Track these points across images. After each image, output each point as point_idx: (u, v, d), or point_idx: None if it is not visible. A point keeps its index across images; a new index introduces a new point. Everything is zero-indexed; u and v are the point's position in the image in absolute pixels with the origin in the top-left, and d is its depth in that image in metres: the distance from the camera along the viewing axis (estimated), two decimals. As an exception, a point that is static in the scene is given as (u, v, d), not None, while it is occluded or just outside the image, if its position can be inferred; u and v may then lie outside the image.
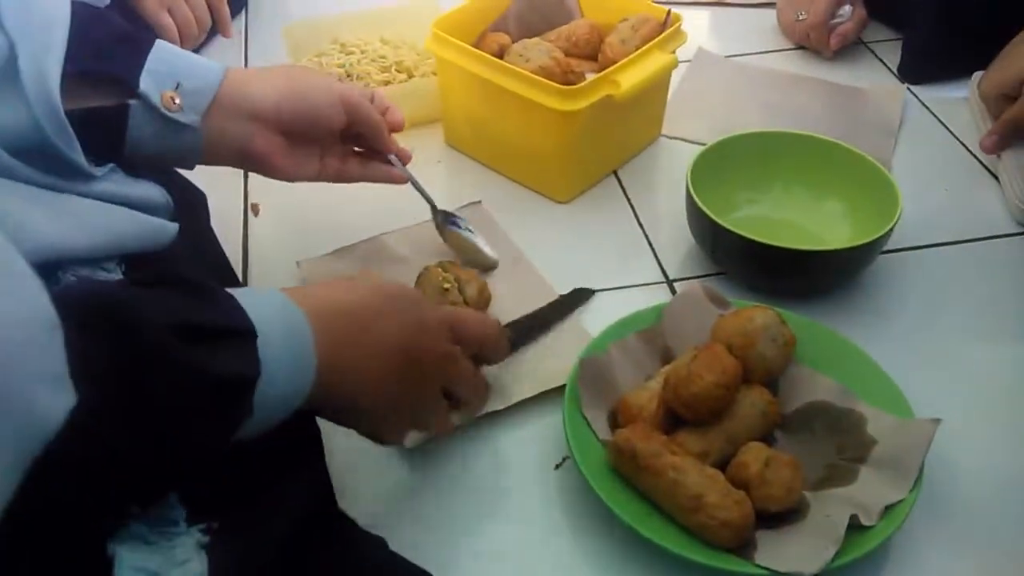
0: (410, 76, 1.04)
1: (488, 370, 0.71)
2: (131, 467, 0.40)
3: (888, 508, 0.60)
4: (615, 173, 0.98)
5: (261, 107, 0.68)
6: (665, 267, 0.87)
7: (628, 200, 0.95)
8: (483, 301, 0.78)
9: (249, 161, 0.71)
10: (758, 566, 0.57)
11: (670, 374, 0.66)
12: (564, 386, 0.69)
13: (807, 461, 0.65)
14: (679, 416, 0.66)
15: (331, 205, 0.90)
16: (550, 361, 0.75)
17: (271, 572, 0.47)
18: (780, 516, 0.61)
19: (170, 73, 0.64)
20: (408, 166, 0.80)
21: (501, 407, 0.71)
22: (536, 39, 0.96)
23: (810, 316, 0.75)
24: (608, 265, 0.86)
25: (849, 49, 1.18)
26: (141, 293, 0.42)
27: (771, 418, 0.67)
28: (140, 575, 0.42)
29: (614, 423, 0.68)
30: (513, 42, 0.96)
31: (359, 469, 0.67)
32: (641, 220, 0.92)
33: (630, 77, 0.88)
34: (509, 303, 0.80)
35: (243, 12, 1.25)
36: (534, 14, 1.05)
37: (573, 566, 0.62)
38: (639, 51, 0.91)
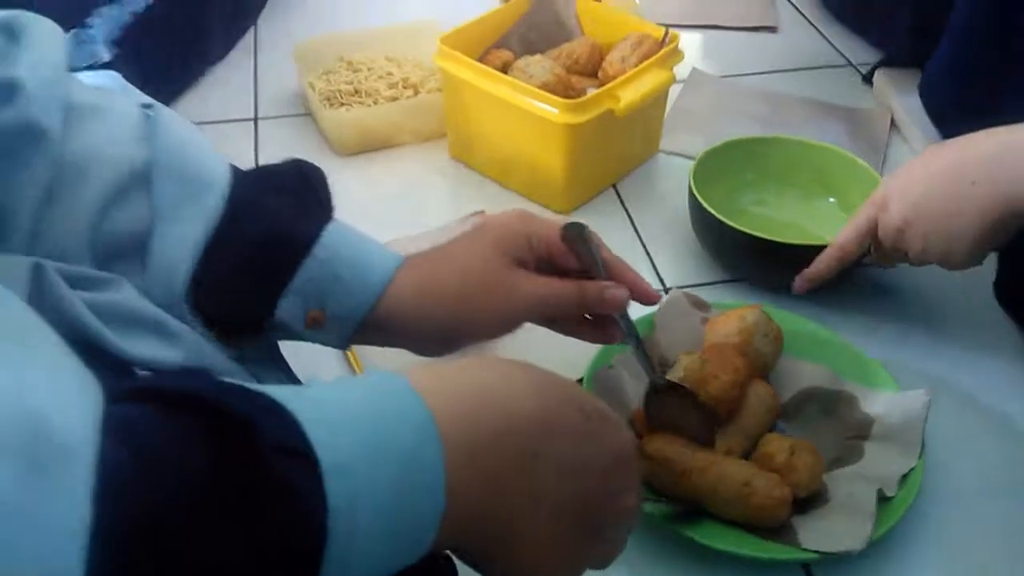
0: (416, 92, 1.08)
1: None
2: None
3: (903, 478, 0.65)
4: (614, 186, 1.02)
5: (410, 338, 0.59)
6: (663, 276, 0.90)
7: (626, 211, 0.99)
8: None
9: None
10: (807, 550, 0.61)
11: (683, 380, 0.69)
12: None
13: (815, 445, 0.68)
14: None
15: (345, 209, 0.91)
16: (554, 365, 0.76)
17: None
18: (806, 501, 0.65)
19: (318, 293, 0.55)
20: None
21: None
22: (539, 56, 1.00)
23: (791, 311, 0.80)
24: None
25: (840, 72, 1.23)
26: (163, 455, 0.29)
27: (774, 410, 0.71)
28: None
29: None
30: (516, 59, 1.00)
31: None
32: (639, 231, 0.96)
33: (630, 93, 0.92)
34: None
35: (253, 30, 1.28)
36: (536, 32, 1.08)
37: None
38: (638, 68, 0.95)
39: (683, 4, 1.36)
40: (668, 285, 0.89)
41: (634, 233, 0.96)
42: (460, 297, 0.58)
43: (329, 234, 0.56)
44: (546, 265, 0.62)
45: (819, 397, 0.74)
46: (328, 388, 0.36)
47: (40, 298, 0.43)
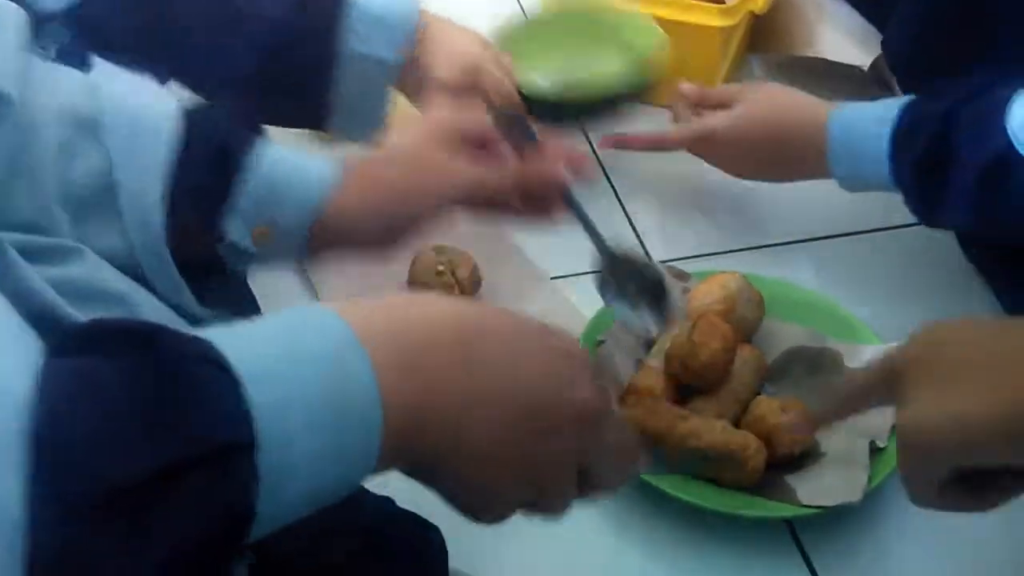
0: None
1: None
2: None
3: (892, 428, 0.66)
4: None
5: (356, 241, 0.62)
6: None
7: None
8: (474, 283, 0.81)
9: None
10: (807, 506, 0.63)
11: (672, 350, 0.71)
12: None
13: (804, 404, 0.69)
14: (688, 387, 0.70)
15: None
16: None
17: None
18: (800, 459, 0.67)
19: (261, 211, 0.57)
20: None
21: None
22: None
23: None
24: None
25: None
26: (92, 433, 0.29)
27: (761, 372, 0.73)
28: None
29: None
30: None
31: None
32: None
33: None
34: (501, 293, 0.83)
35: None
36: None
37: (594, 531, 0.66)
38: None
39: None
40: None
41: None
42: (402, 185, 0.61)
43: (265, 150, 0.58)
44: (481, 151, 0.65)
45: (804, 356, 0.75)
46: (242, 324, 0.36)
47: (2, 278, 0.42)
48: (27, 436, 0.27)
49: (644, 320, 0.72)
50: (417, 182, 0.62)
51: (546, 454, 0.40)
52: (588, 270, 0.87)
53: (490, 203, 0.66)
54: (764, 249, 0.91)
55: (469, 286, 0.80)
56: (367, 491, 0.57)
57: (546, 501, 0.42)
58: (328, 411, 0.33)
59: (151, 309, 0.50)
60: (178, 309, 0.52)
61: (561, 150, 0.69)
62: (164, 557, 0.29)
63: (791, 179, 0.87)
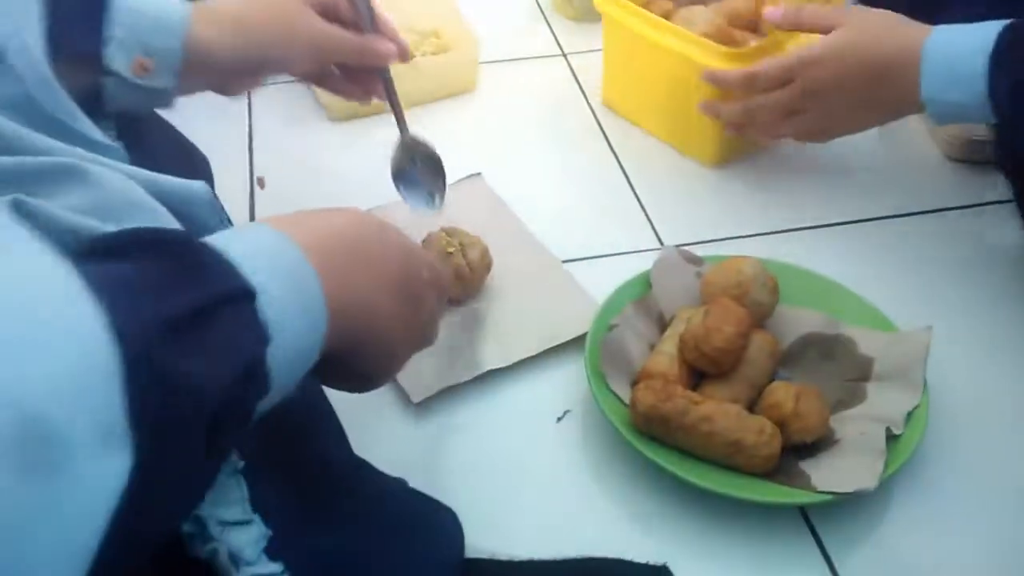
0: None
1: (493, 329, 0.77)
2: (182, 492, 0.36)
3: (908, 415, 0.66)
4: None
5: (227, 65, 0.68)
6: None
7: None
8: (484, 266, 0.81)
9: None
10: (822, 492, 0.62)
11: (686, 334, 0.70)
12: (563, 343, 0.75)
13: (819, 389, 0.69)
14: (701, 371, 0.70)
15: (340, 174, 0.92)
16: (552, 321, 0.78)
17: (305, 501, 0.49)
18: (815, 445, 0.66)
19: (135, 36, 0.63)
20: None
21: (505, 364, 0.75)
22: (701, 7, 0.99)
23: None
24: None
25: None
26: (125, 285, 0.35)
27: (776, 357, 0.72)
28: None
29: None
30: (676, 9, 1.00)
31: (366, 425, 0.69)
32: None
33: (800, 39, 0.90)
34: (512, 276, 0.83)
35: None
36: None
37: (609, 515, 0.66)
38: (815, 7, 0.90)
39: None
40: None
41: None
42: (267, 20, 0.69)
43: None
44: (330, 16, 0.74)
45: (817, 342, 0.75)
46: (222, 238, 0.42)
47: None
48: (89, 290, 0.30)
49: (433, 204, 0.85)
50: (284, 20, 0.70)
51: (422, 314, 0.54)
52: (600, 254, 0.87)
53: (325, 62, 0.76)
54: (778, 235, 0.90)
55: (480, 269, 0.80)
56: (380, 471, 0.57)
57: (427, 342, 0.57)
58: (293, 291, 0.41)
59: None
60: (81, 141, 0.52)
61: (393, 29, 0.77)
62: (215, 374, 0.35)
63: (876, 121, 0.86)
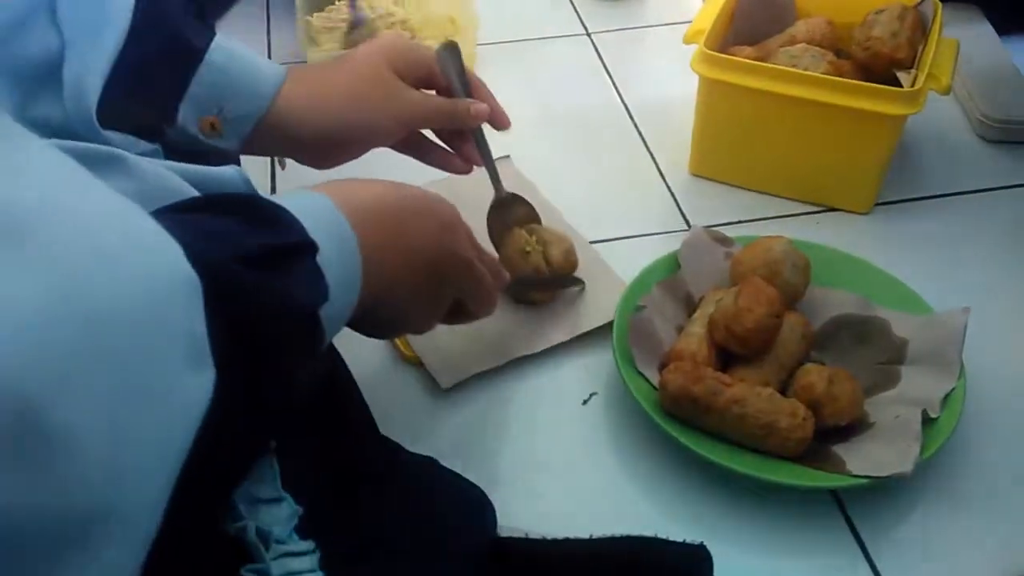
0: (413, 37, 1.04)
1: (524, 313, 0.76)
2: (255, 423, 0.38)
3: (944, 398, 0.65)
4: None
5: (306, 139, 0.65)
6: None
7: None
8: (569, 266, 0.78)
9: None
10: (857, 476, 0.61)
11: (716, 315, 0.69)
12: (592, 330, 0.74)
13: (851, 372, 0.68)
14: (731, 353, 0.69)
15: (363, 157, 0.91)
16: (584, 307, 0.77)
17: (335, 480, 0.49)
18: (849, 428, 0.65)
19: (213, 97, 0.60)
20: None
21: (537, 351, 0.74)
22: (801, 44, 0.89)
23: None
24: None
25: None
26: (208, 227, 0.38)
27: (808, 339, 0.71)
28: None
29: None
30: (756, 53, 0.91)
31: (395, 408, 0.69)
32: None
33: (943, 69, 0.84)
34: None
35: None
36: (755, 20, 0.96)
37: (639, 496, 0.65)
38: (930, 41, 0.86)
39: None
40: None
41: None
42: (350, 96, 0.65)
43: (220, 43, 0.61)
44: (422, 85, 0.70)
45: (850, 324, 0.73)
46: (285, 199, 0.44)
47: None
48: (168, 230, 0.32)
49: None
50: (366, 100, 0.66)
51: (447, 289, 0.56)
52: (627, 235, 0.86)
53: (419, 131, 0.72)
54: (809, 216, 0.88)
55: (565, 268, 0.77)
56: (408, 451, 0.57)
57: (435, 320, 0.58)
58: (338, 252, 0.44)
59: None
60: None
61: (487, 93, 0.73)
62: (283, 310, 0.38)
63: None
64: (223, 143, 0.62)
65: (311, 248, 0.41)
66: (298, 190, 0.46)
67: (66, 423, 0.25)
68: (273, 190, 0.91)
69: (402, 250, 0.50)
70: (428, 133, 0.75)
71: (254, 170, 0.88)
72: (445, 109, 0.70)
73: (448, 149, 0.74)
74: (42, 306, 0.25)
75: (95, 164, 0.43)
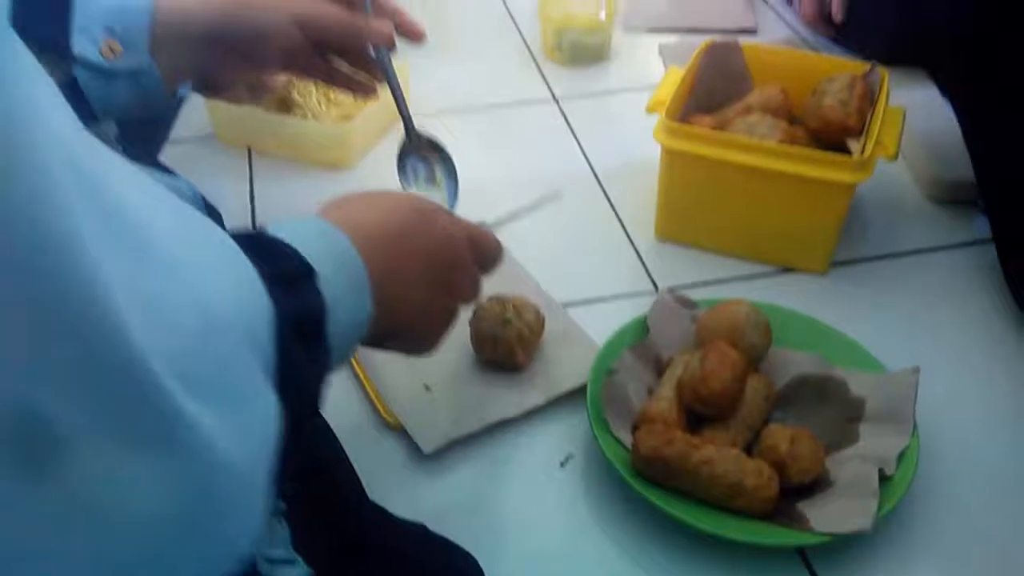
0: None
1: (502, 376, 0.79)
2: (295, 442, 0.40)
3: (900, 456, 0.68)
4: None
5: (197, 37, 0.65)
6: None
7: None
8: (540, 325, 0.81)
9: (212, 91, 0.72)
10: (820, 533, 0.64)
11: (684, 379, 0.72)
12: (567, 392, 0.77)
13: (812, 431, 0.71)
14: (699, 415, 0.72)
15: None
16: (559, 370, 0.80)
17: (338, 544, 0.51)
18: (811, 487, 0.68)
19: (99, 20, 0.61)
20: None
21: (515, 414, 0.76)
22: (758, 114, 0.93)
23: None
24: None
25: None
26: None
27: (771, 400, 0.74)
28: None
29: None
30: (714, 121, 0.94)
31: (378, 474, 0.70)
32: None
33: (891, 136, 0.88)
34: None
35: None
36: (712, 90, 1.00)
37: (613, 557, 0.68)
38: (877, 111, 0.90)
39: (660, 7, 1.38)
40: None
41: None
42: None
43: None
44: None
45: (810, 383, 0.77)
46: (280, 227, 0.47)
47: None
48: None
49: (440, 197, 0.84)
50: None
51: (456, 297, 0.58)
52: (597, 297, 0.89)
53: (320, 44, 0.70)
54: (767, 278, 0.92)
55: (538, 329, 0.80)
56: (397, 517, 0.59)
57: (448, 329, 0.60)
58: (342, 274, 0.46)
59: None
60: None
61: (395, 10, 0.72)
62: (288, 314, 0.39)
63: None
64: (131, 62, 0.63)
65: (307, 274, 0.43)
66: (301, 219, 0.48)
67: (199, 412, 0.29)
68: (253, 218, 0.94)
69: (412, 271, 0.53)
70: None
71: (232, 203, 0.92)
72: (345, 19, 0.69)
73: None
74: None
75: None
